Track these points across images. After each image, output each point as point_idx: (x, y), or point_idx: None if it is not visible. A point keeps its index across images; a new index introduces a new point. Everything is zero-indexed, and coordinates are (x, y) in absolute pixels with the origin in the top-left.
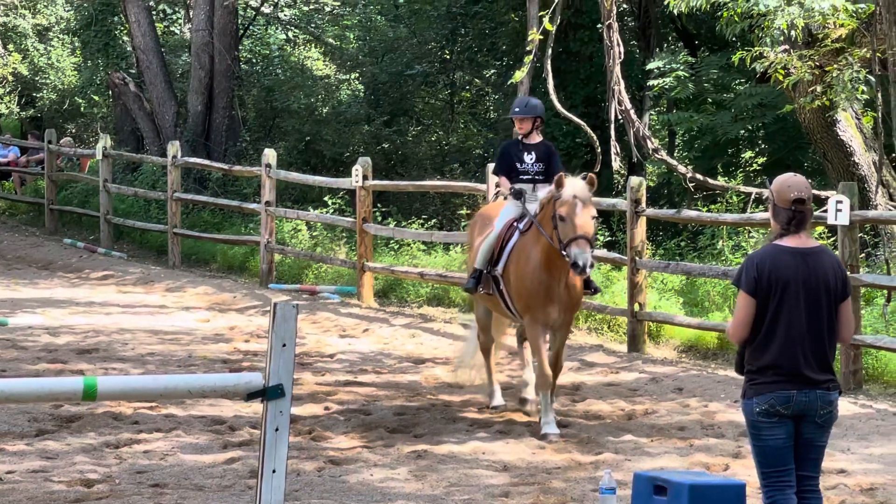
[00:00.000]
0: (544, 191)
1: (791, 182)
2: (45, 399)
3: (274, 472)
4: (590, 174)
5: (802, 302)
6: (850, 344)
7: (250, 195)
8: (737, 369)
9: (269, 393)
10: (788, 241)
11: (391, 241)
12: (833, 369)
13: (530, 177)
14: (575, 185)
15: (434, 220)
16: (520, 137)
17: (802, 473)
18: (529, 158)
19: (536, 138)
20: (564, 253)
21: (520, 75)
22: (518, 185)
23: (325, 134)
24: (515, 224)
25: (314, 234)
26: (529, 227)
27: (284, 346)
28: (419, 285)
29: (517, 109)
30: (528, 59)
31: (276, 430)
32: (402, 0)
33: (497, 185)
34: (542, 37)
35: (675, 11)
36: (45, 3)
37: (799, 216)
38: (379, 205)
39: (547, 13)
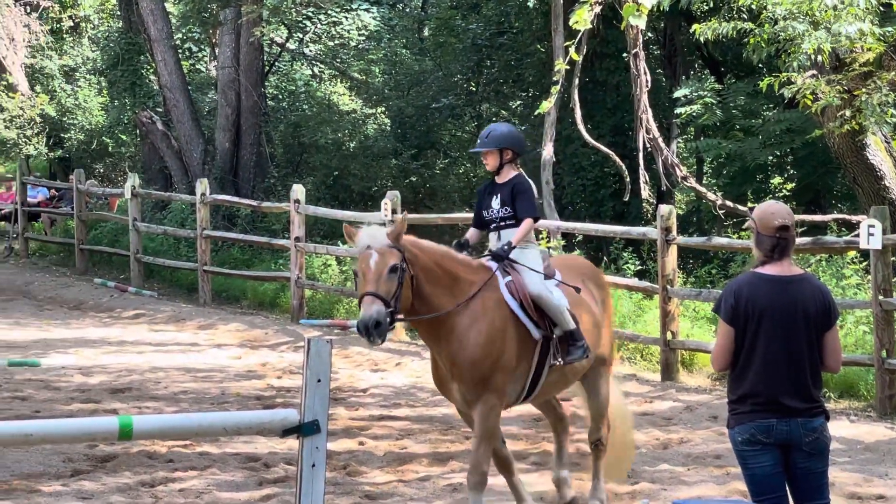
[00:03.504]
0: (511, 236)
1: (774, 209)
2: (81, 439)
3: None
4: (401, 215)
5: (780, 330)
6: (885, 368)
7: (279, 231)
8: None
9: (304, 429)
10: (770, 269)
11: None
12: (816, 397)
13: (495, 224)
14: (371, 234)
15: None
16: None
17: None
18: (496, 203)
19: (508, 175)
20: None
21: (546, 105)
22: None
23: (352, 168)
24: None
25: (344, 268)
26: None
27: (319, 381)
28: None
29: (478, 142)
30: (554, 89)
31: (313, 465)
32: (427, 33)
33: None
34: (568, 67)
35: (702, 39)
36: (72, 45)
37: (783, 243)
38: None
39: (573, 43)
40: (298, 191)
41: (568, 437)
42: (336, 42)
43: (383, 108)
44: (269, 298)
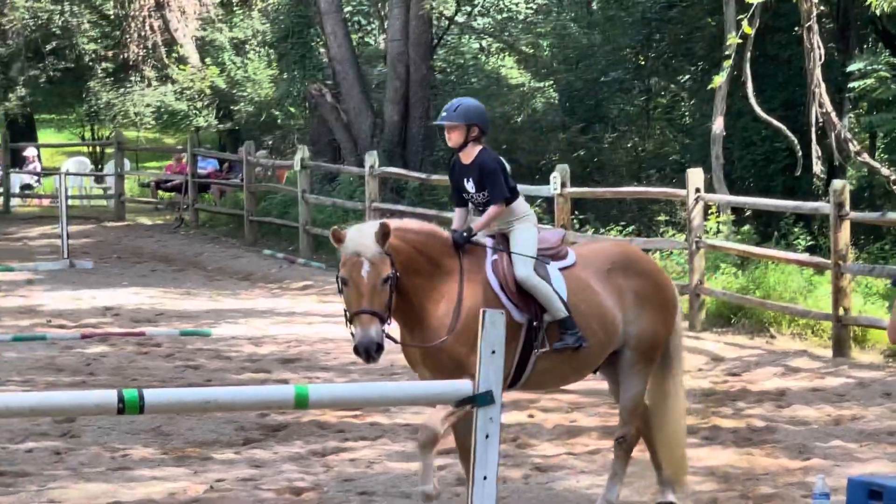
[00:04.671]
0: (498, 220)
1: None
2: (257, 407)
3: (485, 478)
4: (384, 221)
5: None
6: None
7: (447, 204)
8: None
9: (478, 399)
10: None
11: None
12: None
13: (480, 210)
14: (360, 238)
15: (632, 227)
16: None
17: None
18: (470, 186)
19: (472, 153)
20: (350, 328)
21: (718, 80)
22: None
23: (521, 142)
24: None
25: None
26: None
27: (493, 352)
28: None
29: (443, 114)
30: (726, 63)
31: (487, 436)
32: (595, 6)
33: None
34: (740, 41)
35: (877, 12)
36: (242, 17)
37: None
38: (576, 212)
39: (745, 17)
40: None
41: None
42: (504, 15)
43: (551, 82)
44: None
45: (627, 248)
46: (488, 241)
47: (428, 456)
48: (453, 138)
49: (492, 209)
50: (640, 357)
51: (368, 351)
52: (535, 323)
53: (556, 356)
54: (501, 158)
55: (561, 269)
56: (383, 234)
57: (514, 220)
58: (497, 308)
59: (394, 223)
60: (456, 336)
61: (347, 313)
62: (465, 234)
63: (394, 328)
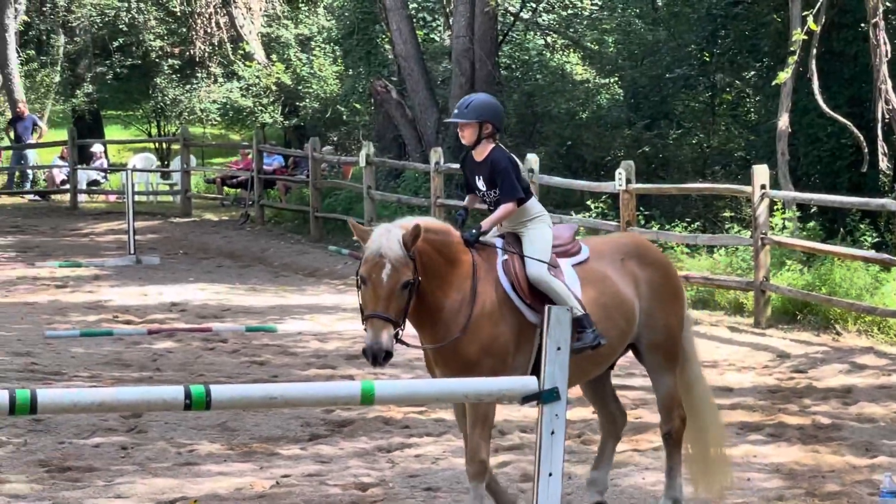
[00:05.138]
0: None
1: None
2: (324, 403)
3: (550, 475)
4: (417, 223)
5: None
6: None
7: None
8: None
9: (544, 396)
10: None
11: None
12: None
13: (491, 209)
14: (386, 240)
15: (697, 223)
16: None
17: None
18: (481, 184)
19: (485, 151)
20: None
21: (783, 76)
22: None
23: (585, 138)
24: None
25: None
26: None
27: (559, 349)
28: (684, 288)
29: (455, 112)
30: (791, 59)
31: (552, 433)
32: (660, 3)
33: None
34: (806, 37)
35: None
36: (308, 14)
37: None
38: (641, 208)
39: (811, 13)
40: (532, 160)
41: (615, 442)
42: (569, 12)
43: (616, 78)
44: None
45: (637, 238)
46: (498, 242)
47: (480, 486)
48: (466, 136)
49: (502, 208)
50: (660, 351)
51: (376, 357)
52: None
53: (574, 354)
54: (514, 157)
55: (575, 265)
56: (413, 237)
57: (527, 221)
58: (509, 309)
59: (422, 223)
60: (468, 336)
61: (363, 312)
62: (474, 232)
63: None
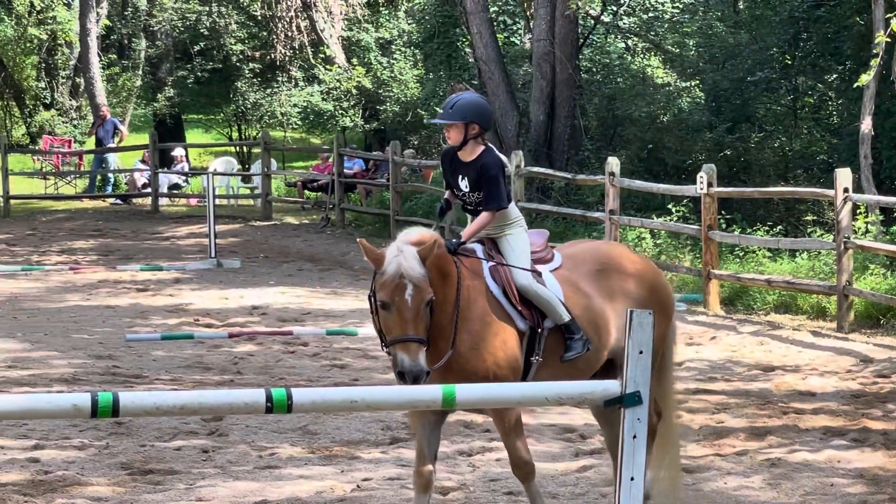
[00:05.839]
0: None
1: None
2: (405, 407)
3: (632, 479)
4: (431, 235)
5: None
6: None
7: (593, 204)
8: None
9: (626, 400)
10: None
11: (735, 249)
12: None
13: (472, 209)
14: (403, 260)
15: (779, 227)
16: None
17: None
18: (464, 184)
19: (474, 152)
20: (387, 352)
21: (865, 79)
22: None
23: (666, 141)
24: None
25: (658, 241)
26: None
27: (641, 352)
28: (766, 292)
29: (440, 112)
30: (874, 62)
31: (634, 437)
32: (742, 6)
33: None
34: (888, 39)
35: None
36: (388, 17)
37: None
38: (723, 211)
39: (894, 15)
40: (613, 163)
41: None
42: (650, 15)
43: (697, 82)
44: None
45: (616, 247)
46: (478, 248)
47: (533, 484)
48: (452, 137)
49: (484, 216)
50: None
51: (418, 380)
52: (539, 330)
53: (559, 364)
54: (505, 160)
55: (552, 272)
56: (430, 252)
57: (504, 226)
58: (500, 317)
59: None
60: (466, 349)
61: (385, 337)
62: (454, 241)
63: None
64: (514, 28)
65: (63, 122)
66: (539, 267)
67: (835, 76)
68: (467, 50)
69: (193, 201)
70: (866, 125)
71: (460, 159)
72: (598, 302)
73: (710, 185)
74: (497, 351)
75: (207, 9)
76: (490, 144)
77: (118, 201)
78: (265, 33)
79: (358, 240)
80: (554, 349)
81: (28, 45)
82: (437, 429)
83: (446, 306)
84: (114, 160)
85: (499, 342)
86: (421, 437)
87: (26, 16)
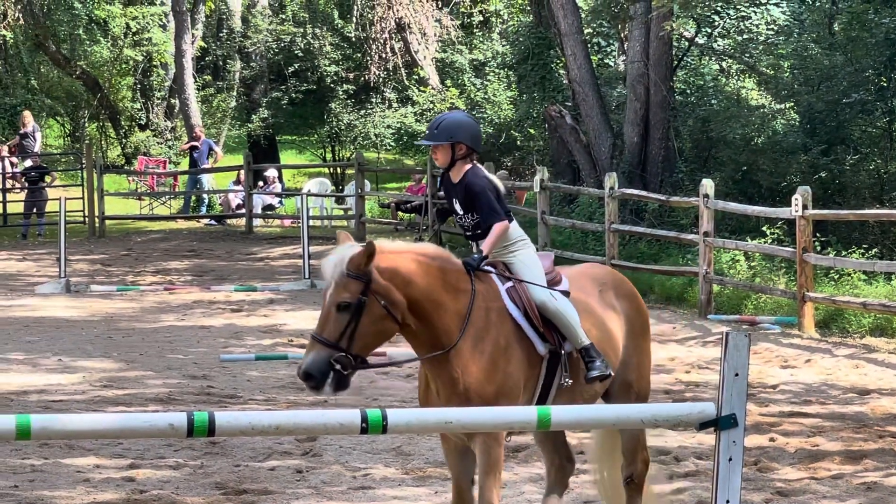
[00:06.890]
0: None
1: None
2: (499, 428)
3: (728, 502)
4: (373, 242)
5: None
6: None
7: (687, 226)
8: None
9: (721, 422)
10: None
11: (830, 271)
12: None
13: (470, 234)
14: (331, 262)
15: (874, 250)
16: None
17: None
18: (458, 208)
19: (461, 172)
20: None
21: None
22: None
23: (761, 163)
24: None
25: (752, 264)
26: None
27: (737, 375)
28: (861, 315)
29: (426, 132)
30: None
31: (730, 460)
32: (837, 28)
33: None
34: None
35: None
36: (482, 39)
37: None
38: (818, 234)
39: None
40: (707, 185)
41: (562, 490)
42: (745, 37)
43: (792, 104)
44: (677, 293)
45: (610, 269)
46: (491, 270)
47: None
48: (439, 158)
49: (495, 228)
50: (631, 391)
51: (304, 379)
52: (562, 352)
53: (576, 389)
54: (491, 177)
55: (561, 293)
56: (367, 256)
57: (511, 246)
58: (518, 340)
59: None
60: (485, 377)
61: None
62: (477, 257)
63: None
64: (609, 50)
65: (158, 142)
66: (553, 290)
67: None
68: (561, 72)
69: (287, 222)
70: None
71: (451, 181)
72: (609, 320)
73: (804, 207)
74: (503, 379)
75: (302, 30)
76: (477, 164)
77: (212, 222)
78: (359, 55)
79: (337, 231)
80: (576, 371)
81: (124, 66)
82: (467, 455)
83: (448, 314)
84: (208, 181)
85: (504, 371)
86: (454, 466)
87: (122, 37)
